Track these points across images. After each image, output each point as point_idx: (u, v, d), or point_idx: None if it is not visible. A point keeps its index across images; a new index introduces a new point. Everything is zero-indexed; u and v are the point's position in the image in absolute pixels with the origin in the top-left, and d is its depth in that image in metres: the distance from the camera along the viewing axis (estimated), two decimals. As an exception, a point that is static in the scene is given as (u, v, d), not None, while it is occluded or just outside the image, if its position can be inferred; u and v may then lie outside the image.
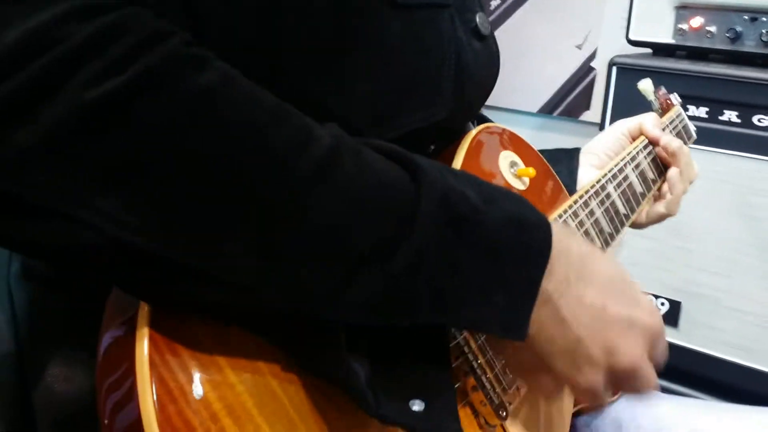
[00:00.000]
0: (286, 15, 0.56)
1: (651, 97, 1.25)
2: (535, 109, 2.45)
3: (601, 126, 1.77)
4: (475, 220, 0.54)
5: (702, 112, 1.64)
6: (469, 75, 0.70)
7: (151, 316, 0.50)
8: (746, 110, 1.60)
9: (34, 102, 0.42)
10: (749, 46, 1.62)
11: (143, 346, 0.49)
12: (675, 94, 1.23)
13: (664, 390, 1.73)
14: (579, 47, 2.34)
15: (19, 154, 0.42)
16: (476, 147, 0.76)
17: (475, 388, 0.67)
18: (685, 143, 1.19)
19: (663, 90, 1.24)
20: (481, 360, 0.67)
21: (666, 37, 1.72)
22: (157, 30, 0.46)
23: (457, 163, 0.73)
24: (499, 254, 0.54)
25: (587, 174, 0.99)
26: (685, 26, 1.69)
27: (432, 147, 0.74)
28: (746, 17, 1.61)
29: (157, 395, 0.48)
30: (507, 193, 0.59)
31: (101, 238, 0.46)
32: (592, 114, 2.32)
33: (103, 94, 0.43)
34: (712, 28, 1.65)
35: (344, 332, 0.54)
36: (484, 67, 0.74)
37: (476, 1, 0.75)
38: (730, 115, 1.61)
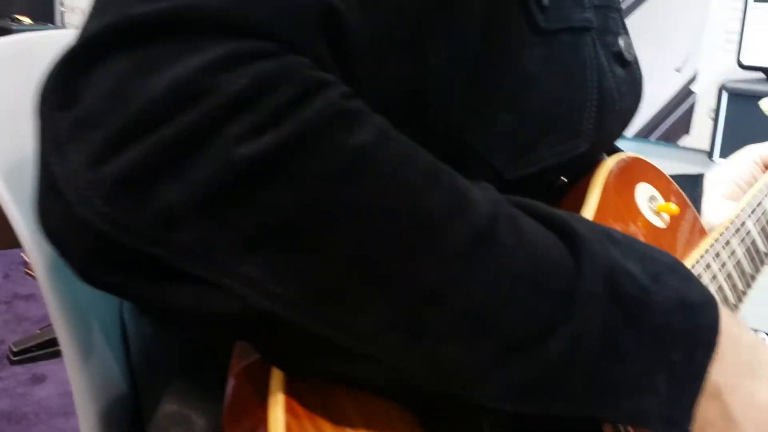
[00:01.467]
0: (432, 43, 0.53)
1: None
2: (631, 134, 2.36)
3: (710, 153, 1.69)
4: (642, 301, 0.48)
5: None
6: (611, 103, 0.65)
7: (287, 379, 0.47)
8: None
9: (183, 156, 0.39)
10: None
11: (278, 413, 0.45)
12: None
13: None
14: (678, 70, 2.25)
15: (163, 212, 0.39)
16: (613, 180, 0.71)
17: None
18: None
19: None
20: None
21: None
22: (315, 81, 0.42)
23: (593, 201, 0.68)
24: (666, 340, 0.49)
25: (716, 204, 0.92)
26: (802, 49, 1.60)
27: (563, 179, 0.69)
28: None
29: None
30: (671, 264, 0.53)
31: (243, 308, 0.43)
32: (692, 139, 2.22)
33: (257, 151, 0.39)
34: (833, 52, 1.56)
35: (488, 420, 0.49)
36: (627, 95, 0.69)
37: (620, 23, 0.70)
38: None
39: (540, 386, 0.47)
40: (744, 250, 0.82)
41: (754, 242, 0.85)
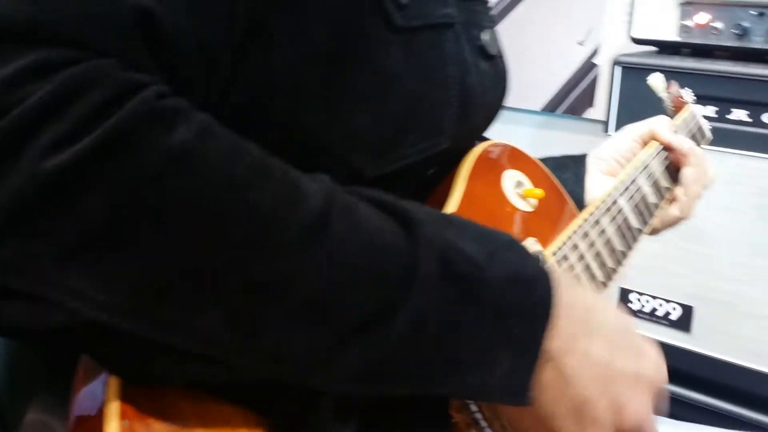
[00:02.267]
0: (278, 44, 0.52)
1: (662, 93, 1.18)
2: (538, 107, 2.40)
3: (606, 125, 1.73)
4: (478, 279, 0.50)
5: (710, 111, 1.59)
6: (474, 99, 0.65)
7: (123, 386, 0.46)
8: (756, 108, 1.55)
9: None
10: (757, 42, 1.57)
11: (114, 426, 0.44)
12: (688, 90, 1.18)
13: (675, 396, 1.69)
14: (581, 44, 2.28)
15: None
16: (479, 169, 0.72)
17: None
18: (699, 144, 1.14)
19: (675, 86, 1.18)
20: (486, 414, 0.62)
21: (671, 35, 1.67)
22: (126, 83, 0.41)
23: (459, 191, 0.68)
24: (502, 314, 0.50)
25: (597, 181, 0.94)
26: (690, 23, 1.64)
27: (431, 171, 0.70)
28: (753, 12, 1.56)
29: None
30: (508, 242, 0.55)
31: (73, 319, 0.42)
32: (596, 111, 2.27)
33: (65, 162, 0.38)
34: (718, 25, 1.60)
35: (332, 402, 0.49)
36: (491, 89, 0.69)
37: (485, 17, 0.70)
38: (739, 113, 1.56)
39: (383, 368, 0.47)
40: (615, 228, 0.84)
41: (626, 219, 0.87)
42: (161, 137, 0.41)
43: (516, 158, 0.77)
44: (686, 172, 0.97)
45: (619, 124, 1.68)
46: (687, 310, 1.67)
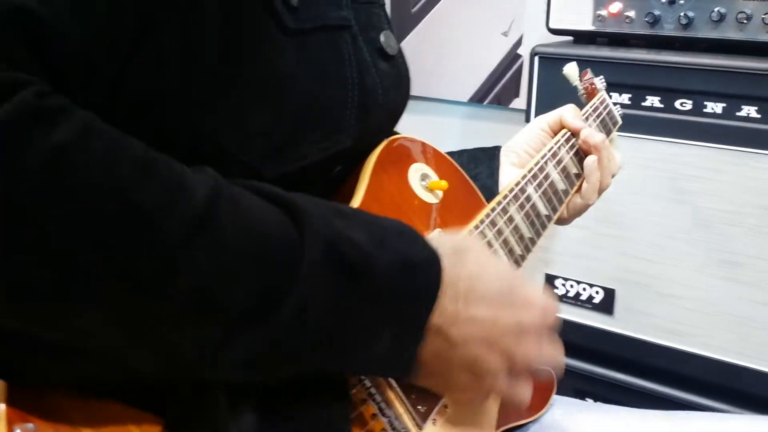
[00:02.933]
0: (168, 45, 0.52)
1: (575, 82, 1.22)
2: (465, 98, 2.42)
3: (527, 116, 1.76)
4: (364, 267, 0.52)
5: (625, 98, 1.63)
6: (374, 99, 0.67)
7: (9, 391, 0.46)
8: (668, 95, 1.59)
9: None
10: (668, 29, 1.61)
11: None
12: (601, 77, 1.21)
13: (601, 378, 1.74)
14: (505, 34, 2.32)
15: None
16: (383, 163, 0.73)
17: (375, 416, 0.63)
18: (611, 130, 1.17)
19: (589, 73, 1.21)
20: (391, 397, 0.64)
21: (586, 24, 1.71)
22: (4, 82, 0.41)
23: (363, 185, 0.70)
24: (389, 300, 0.53)
25: (508, 174, 0.97)
26: (604, 12, 1.68)
27: (338, 168, 0.70)
28: (663, 1, 1.61)
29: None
30: (398, 228, 0.57)
31: None
32: (522, 101, 2.31)
33: None
34: (631, 13, 1.64)
35: (225, 392, 0.50)
36: (392, 88, 0.70)
37: (383, 18, 0.71)
38: (652, 100, 1.60)
39: (271, 355, 0.49)
40: (522, 215, 0.86)
41: (534, 206, 0.89)
42: (40, 137, 0.41)
43: (422, 152, 0.78)
44: (587, 161, 1.00)
45: (539, 114, 1.71)
46: (609, 293, 1.72)
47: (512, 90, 2.35)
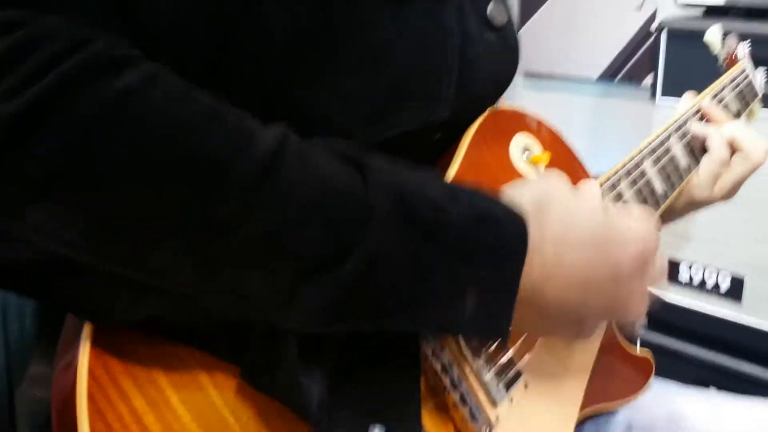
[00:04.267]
0: (269, 9, 0.53)
1: (717, 49, 1.15)
2: (595, 76, 2.35)
3: (653, 93, 1.68)
4: (438, 219, 0.51)
5: (760, 75, 1.53)
6: (476, 71, 0.66)
7: (94, 337, 0.50)
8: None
9: None
10: (810, 0, 1.50)
11: (83, 381, 0.48)
12: (745, 43, 1.13)
13: (729, 370, 1.65)
14: (638, 9, 2.23)
15: None
16: (484, 134, 0.71)
17: (456, 405, 0.63)
18: (748, 103, 1.10)
19: (732, 39, 1.14)
20: (466, 371, 0.64)
21: (719, -3, 1.61)
22: (74, 38, 0.44)
23: (461, 154, 0.68)
24: (470, 254, 0.52)
25: None
26: (739, -17, 1.58)
27: (438, 136, 0.70)
28: (806, -31, 1.50)
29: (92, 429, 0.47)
30: (474, 189, 0.56)
31: (33, 252, 0.46)
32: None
33: (19, 107, 0.42)
34: (769, -16, 1.54)
35: (297, 345, 0.52)
36: (497, 61, 0.69)
37: None
38: (790, 76, 1.50)
39: (344, 306, 0.49)
40: (634, 192, 0.82)
41: (648, 183, 0.85)
42: (107, 82, 0.44)
43: (526, 123, 0.75)
44: (703, 158, 0.95)
45: (666, 91, 1.64)
46: (738, 281, 1.63)
47: (646, 66, 2.25)
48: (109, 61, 0.44)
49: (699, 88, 1.53)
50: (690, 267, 1.69)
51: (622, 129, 2.20)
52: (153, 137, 0.44)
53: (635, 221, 0.62)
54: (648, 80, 2.23)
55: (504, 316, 0.54)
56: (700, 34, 1.54)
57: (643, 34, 2.23)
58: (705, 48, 1.52)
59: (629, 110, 2.24)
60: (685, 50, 1.59)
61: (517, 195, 0.58)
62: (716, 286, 1.66)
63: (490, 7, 0.68)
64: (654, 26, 2.15)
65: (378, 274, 0.49)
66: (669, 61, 1.64)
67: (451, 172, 0.67)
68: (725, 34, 1.15)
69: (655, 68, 1.66)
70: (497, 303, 0.54)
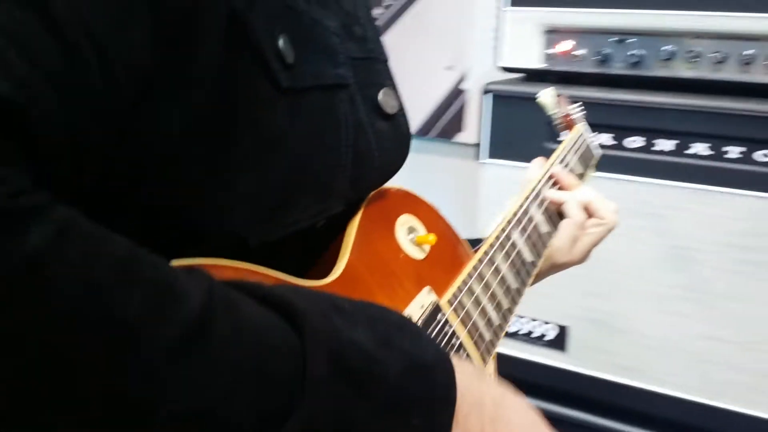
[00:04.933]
0: (162, 109, 0.47)
1: (552, 111, 1.19)
2: (411, 132, 2.40)
3: (478, 153, 1.74)
4: (372, 372, 0.47)
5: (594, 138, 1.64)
6: (369, 162, 0.63)
7: None
8: (620, 132, 1.60)
9: None
10: (618, 68, 1.63)
11: None
12: (578, 105, 1.19)
13: (553, 414, 1.72)
14: (450, 69, 2.32)
15: None
16: (371, 217, 0.69)
17: None
18: (588, 166, 1.15)
19: (564, 102, 1.18)
20: None
21: (537, 62, 1.71)
22: None
23: (349, 242, 0.65)
24: (403, 406, 0.48)
25: None
26: (554, 50, 1.68)
27: (322, 222, 0.66)
28: (613, 39, 1.62)
29: None
30: (401, 324, 0.53)
31: None
32: (467, 135, 2.30)
33: None
34: (581, 52, 1.65)
35: None
36: (390, 149, 0.67)
37: (383, 75, 0.67)
38: (605, 138, 1.61)
39: None
40: (509, 265, 0.83)
41: (520, 254, 0.86)
42: (14, 245, 0.36)
43: (408, 202, 0.75)
44: (562, 223, 0.98)
45: (492, 150, 1.71)
46: (562, 330, 1.71)
47: (456, 124, 2.34)
48: (15, 214, 0.36)
49: (522, 149, 1.62)
50: (518, 320, 1.75)
51: (444, 185, 2.26)
52: (60, 307, 0.37)
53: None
54: (459, 137, 2.32)
55: None
56: (524, 96, 1.63)
57: (455, 92, 2.32)
58: (528, 110, 1.61)
59: (445, 165, 2.31)
60: (508, 111, 1.67)
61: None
62: (542, 336, 1.73)
63: (380, 96, 0.66)
64: (466, 85, 2.26)
65: None
66: (494, 122, 1.70)
67: (342, 262, 0.64)
68: (557, 96, 1.21)
69: (481, 129, 1.72)
70: None
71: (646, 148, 1.58)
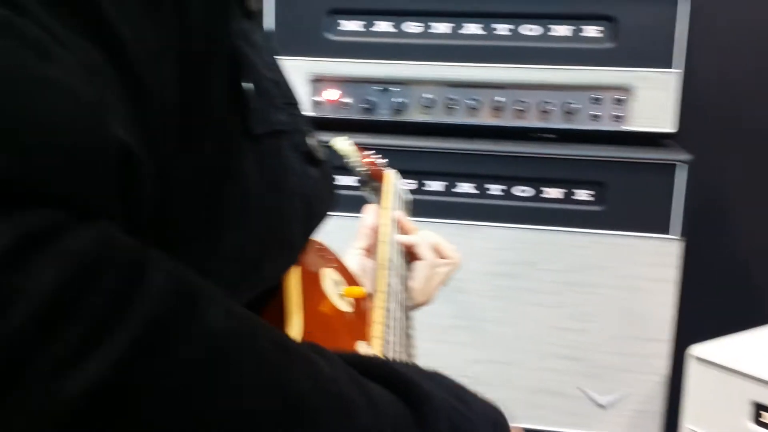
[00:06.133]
0: (180, 165, 0.44)
1: (353, 158, 1.20)
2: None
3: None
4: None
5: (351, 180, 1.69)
6: (314, 209, 0.62)
7: None
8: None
9: None
10: (384, 114, 1.71)
11: None
12: (374, 155, 1.22)
13: None
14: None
15: None
16: (304, 271, 0.66)
17: None
18: (409, 211, 1.19)
19: (360, 151, 1.21)
20: None
21: (304, 110, 1.74)
22: (136, 257, 0.31)
23: (296, 298, 0.62)
24: None
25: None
26: (321, 98, 1.73)
27: None
28: (377, 88, 1.71)
29: None
30: (460, 386, 0.56)
31: None
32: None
33: (92, 379, 0.27)
34: (349, 100, 1.72)
35: None
36: (323, 197, 0.65)
37: (304, 120, 0.65)
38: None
39: None
40: (401, 310, 0.84)
41: (401, 297, 0.88)
42: (197, 322, 0.32)
43: (325, 255, 0.73)
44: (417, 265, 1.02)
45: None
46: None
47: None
48: (184, 294, 0.33)
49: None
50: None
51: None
52: (248, 386, 0.34)
53: None
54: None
55: None
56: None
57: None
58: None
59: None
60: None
61: None
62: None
63: (309, 141, 0.65)
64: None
65: None
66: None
67: (296, 323, 0.61)
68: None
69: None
70: None
71: (417, 189, 1.68)
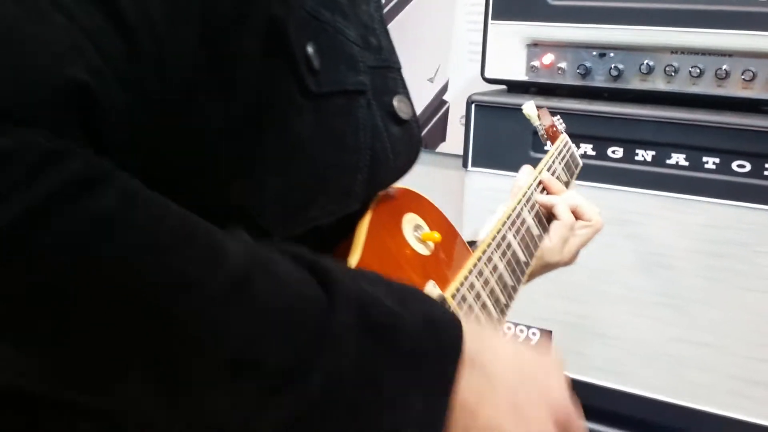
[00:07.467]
0: (204, 111, 0.52)
1: (536, 122, 1.24)
2: (391, 143, 2.45)
3: (464, 162, 1.79)
4: (393, 326, 0.52)
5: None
6: (384, 164, 0.67)
7: None
8: (600, 143, 1.66)
9: None
10: (599, 81, 1.69)
11: None
12: (558, 117, 1.24)
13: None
14: (431, 80, 2.37)
15: None
16: (379, 215, 0.73)
17: None
18: (573, 173, 1.20)
19: (546, 114, 1.24)
20: None
21: (519, 75, 1.76)
22: (49, 153, 0.41)
23: (361, 237, 0.69)
24: (418, 357, 0.53)
25: None
26: (537, 63, 1.74)
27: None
28: (595, 53, 1.68)
29: None
30: (414, 292, 0.58)
31: None
32: (448, 145, 2.35)
33: None
34: (563, 65, 1.71)
35: None
36: (402, 153, 0.71)
37: (398, 83, 0.72)
38: (585, 148, 1.66)
39: (305, 422, 0.48)
40: (505, 263, 0.87)
41: (514, 253, 0.91)
42: (84, 206, 0.41)
43: (413, 201, 0.79)
44: (553, 225, 1.04)
45: (475, 159, 1.76)
46: (547, 335, 1.76)
47: (439, 135, 2.39)
48: (83, 180, 0.41)
49: (504, 158, 1.67)
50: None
51: (429, 194, 2.30)
52: (128, 262, 0.42)
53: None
54: (442, 147, 2.37)
55: (440, 415, 0.54)
56: (506, 107, 1.68)
57: (436, 104, 2.37)
58: (509, 120, 1.66)
59: (431, 174, 2.35)
60: (491, 122, 1.72)
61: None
62: (527, 340, 1.78)
63: (395, 102, 0.70)
64: (448, 96, 2.31)
65: (340, 383, 0.49)
66: (477, 132, 1.75)
67: (355, 255, 0.68)
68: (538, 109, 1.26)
69: (466, 139, 1.77)
70: (437, 404, 0.54)
71: (626, 158, 1.64)
